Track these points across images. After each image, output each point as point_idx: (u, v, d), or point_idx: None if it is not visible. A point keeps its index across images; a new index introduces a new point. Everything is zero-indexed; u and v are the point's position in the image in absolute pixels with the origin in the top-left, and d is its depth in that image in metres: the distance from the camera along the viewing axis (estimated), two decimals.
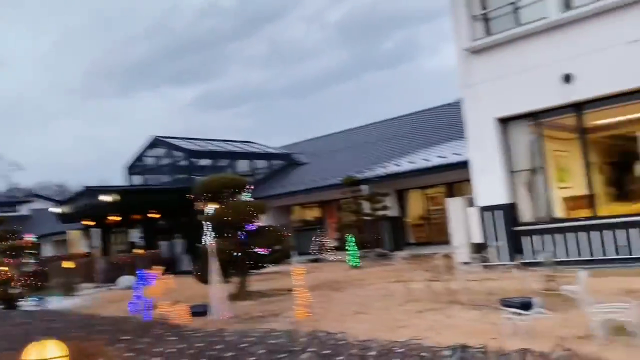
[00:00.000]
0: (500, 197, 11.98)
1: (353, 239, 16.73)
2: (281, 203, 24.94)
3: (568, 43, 10.98)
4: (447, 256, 16.59)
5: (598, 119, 11.61)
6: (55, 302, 15.50)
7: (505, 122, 12.22)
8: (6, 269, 13.38)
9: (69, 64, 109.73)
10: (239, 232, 11.70)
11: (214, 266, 9.69)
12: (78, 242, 34.23)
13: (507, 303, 7.30)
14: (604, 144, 15.10)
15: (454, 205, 13.09)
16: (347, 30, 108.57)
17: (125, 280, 18.31)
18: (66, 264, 18.63)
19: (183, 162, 25.15)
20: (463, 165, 18.16)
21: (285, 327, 7.69)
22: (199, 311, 10.11)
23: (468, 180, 20.45)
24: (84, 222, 24.46)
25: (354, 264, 16.33)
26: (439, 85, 69.32)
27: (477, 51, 12.30)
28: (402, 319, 7.37)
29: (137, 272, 10.49)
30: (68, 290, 18.41)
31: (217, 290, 9.54)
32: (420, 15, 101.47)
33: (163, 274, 16.16)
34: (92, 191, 22.59)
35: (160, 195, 23.36)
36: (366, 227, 20.71)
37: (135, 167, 26.70)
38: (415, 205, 23.02)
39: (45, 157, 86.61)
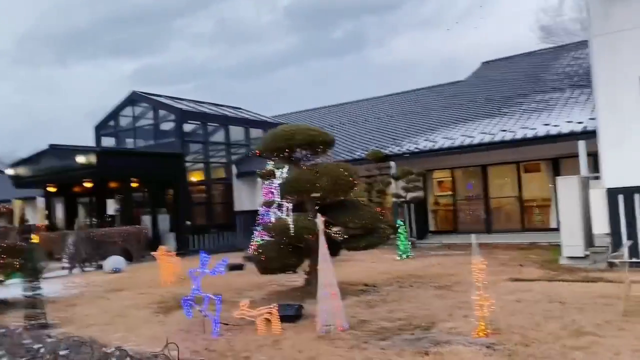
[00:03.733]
0: None
1: (402, 223, 13.93)
2: None
3: None
4: (533, 248, 14.30)
5: None
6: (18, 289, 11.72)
7: None
8: None
9: (1, 24, 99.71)
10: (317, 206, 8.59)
11: (323, 250, 6.57)
12: (27, 212, 29.49)
13: None
14: None
15: (565, 186, 10.53)
16: (296, 17, 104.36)
17: (114, 261, 14.63)
18: (34, 238, 14.66)
19: (169, 124, 21.35)
20: (514, 143, 15.94)
21: None
22: (289, 314, 6.99)
23: (511, 163, 18.44)
24: (45, 188, 20.24)
25: (406, 254, 13.55)
26: (386, 78, 68.00)
27: None
28: None
29: (200, 254, 7.17)
30: (33, 272, 14.51)
31: (328, 284, 6.43)
32: (370, 6, 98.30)
33: (167, 255, 12.80)
34: (59, 151, 18.51)
35: (145, 160, 19.53)
36: (391, 211, 18.06)
37: (108, 127, 22.57)
38: (441, 188, 20.55)
39: None
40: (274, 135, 8.35)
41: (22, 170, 19.37)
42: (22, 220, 25.47)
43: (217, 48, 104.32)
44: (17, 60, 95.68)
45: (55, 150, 18.55)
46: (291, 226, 7.98)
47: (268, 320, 6.63)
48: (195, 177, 21.37)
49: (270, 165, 15.31)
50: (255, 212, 21.96)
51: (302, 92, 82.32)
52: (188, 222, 19.69)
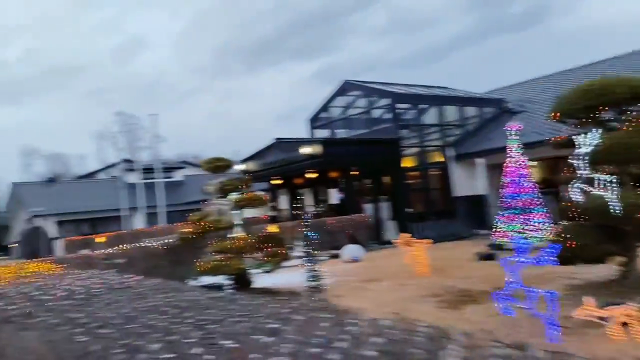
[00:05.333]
0: None
1: None
2: (496, 160, 19.85)
3: None
4: None
5: None
6: (268, 277, 11.78)
7: None
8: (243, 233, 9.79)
9: (201, 43, 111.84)
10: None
11: None
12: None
13: None
14: None
15: None
16: None
17: (352, 250, 14.37)
18: (272, 228, 15.06)
19: (381, 110, 20.78)
20: None
21: None
22: None
23: None
24: (270, 181, 21.16)
25: None
26: (577, 47, 59.57)
27: None
28: None
29: (516, 243, 6.00)
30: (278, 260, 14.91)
31: None
32: None
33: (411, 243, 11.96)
34: (284, 144, 19.02)
35: (363, 148, 19.23)
36: None
37: (320, 119, 22.86)
38: None
39: (180, 132, 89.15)
40: (583, 92, 6.76)
41: (250, 166, 20.41)
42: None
43: (391, 39, 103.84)
44: (215, 73, 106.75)
45: (280, 143, 19.13)
46: (615, 204, 6.33)
47: (623, 324, 5.15)
48: (410, 162, 20.46)
49: (514, 140, 13.56)
50: (476, 197, 20.44)
51: (483, 72, 77.40)
52: (409, 209, 18.86)
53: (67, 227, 36.44)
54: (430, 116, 21.04)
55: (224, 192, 10.15)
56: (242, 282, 10.15)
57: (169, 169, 50.29)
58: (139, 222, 36.63)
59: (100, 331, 2.51)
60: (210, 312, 2.80)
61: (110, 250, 9.33)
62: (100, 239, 24.75)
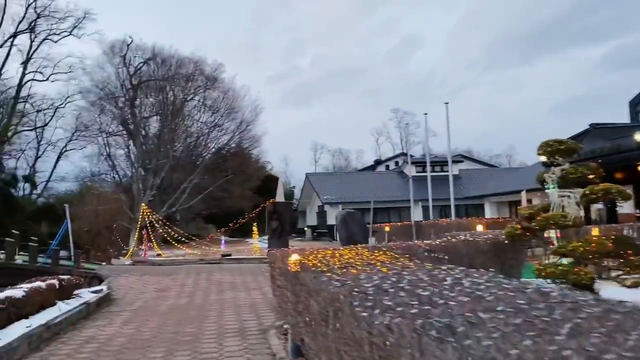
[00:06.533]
0: None
1: None
2: None
3: None
4: None
5: None
6: (616, 290, 9.31)
7: None
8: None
9: (472, 38, 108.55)
10: None
11: None
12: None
13: None
14: None
15: None
16: None
17: None
18: (594, 231, 12.41)
19: None
20: None
21: None
22: None
23: None
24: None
25: None
26: None
27: None
28: None
29: None
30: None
31: None
32: None
33: None
34: (603, 130, 15.87)
35: None
36: None
37: None
38: None
39: (451, 126, 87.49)
40: None
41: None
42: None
43: None
44: (487, 66, 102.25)
45: (596, 130, 16.07)
46: None
47: None
48: None
49: None
50: None
51: None
52: None
53: None
54: None
55: (566, 182, 8.35)
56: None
57: (445, 162, 49.53)
58: (417, 213, 36.69)
59: None
60: None
61: (431, 241, 8.48)
62: (386, 227, 25.19)
